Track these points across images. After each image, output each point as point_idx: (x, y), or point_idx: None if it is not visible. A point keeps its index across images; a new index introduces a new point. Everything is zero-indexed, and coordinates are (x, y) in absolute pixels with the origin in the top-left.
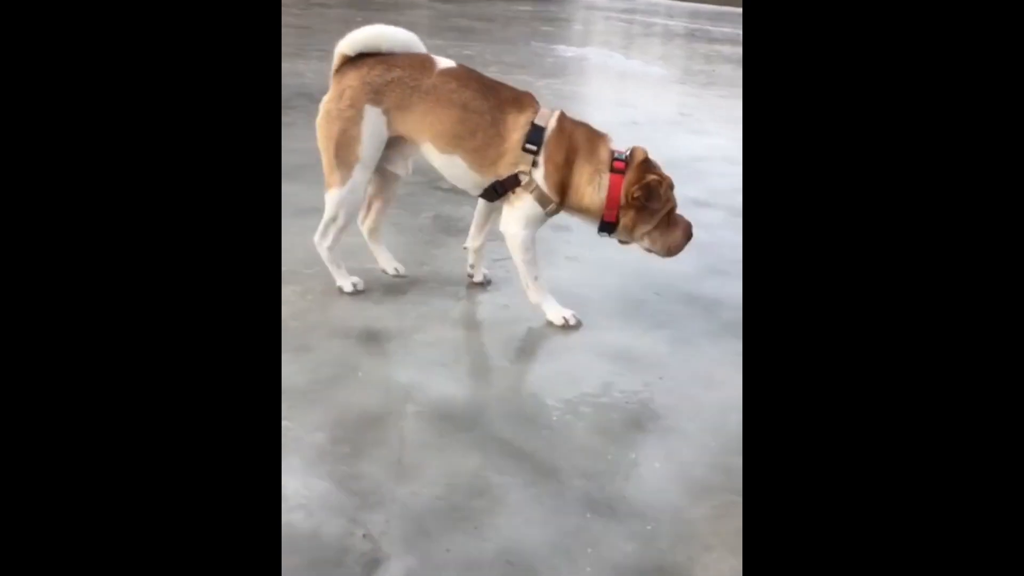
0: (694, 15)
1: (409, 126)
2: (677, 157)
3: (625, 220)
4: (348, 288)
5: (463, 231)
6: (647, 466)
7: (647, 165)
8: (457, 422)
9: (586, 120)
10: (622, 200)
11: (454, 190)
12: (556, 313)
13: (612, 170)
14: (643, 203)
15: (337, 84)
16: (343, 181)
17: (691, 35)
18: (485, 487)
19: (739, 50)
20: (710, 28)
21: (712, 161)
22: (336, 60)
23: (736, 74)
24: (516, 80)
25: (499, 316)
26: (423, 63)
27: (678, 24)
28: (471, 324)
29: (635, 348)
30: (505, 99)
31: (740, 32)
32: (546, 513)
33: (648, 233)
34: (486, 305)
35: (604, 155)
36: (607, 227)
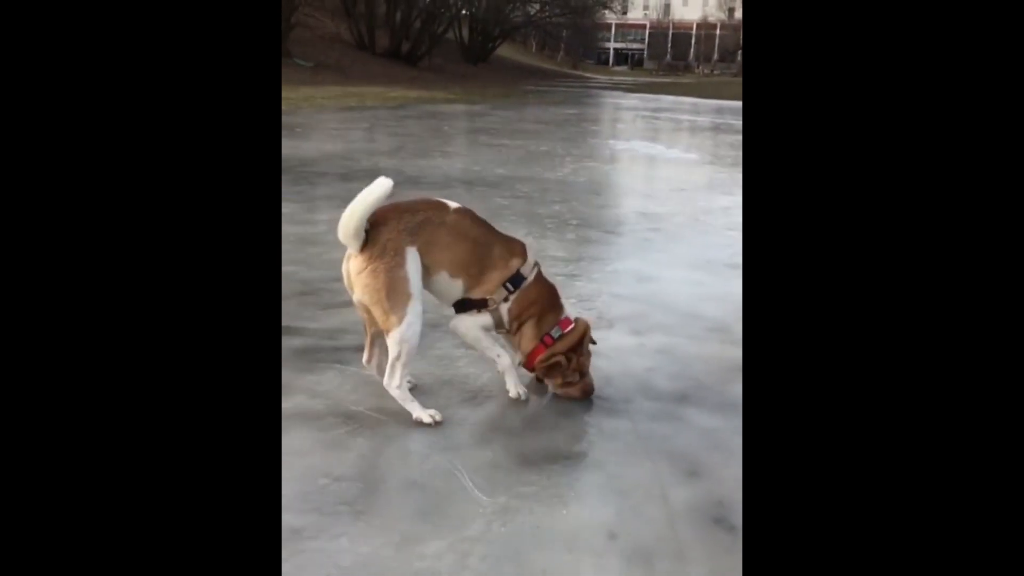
0: (719, 111)
1: (434, 257)
2: (711, 209)
3: (537, 374)
4: (427, 420)
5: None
6: None
7: (581, 338)
8: None
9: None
10: (535, 364)
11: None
12: (514, 386)
13: (541, 340)
14: (544, 375)
15: (373, 244)
16: (401, 320)
17: (717, 128)
18: None
19: None
20: (733, 122)
21: (735, 210)
22: (357, 239)
23: None
24: (586, 167)
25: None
26: (439, 204)
27: (704, 119)
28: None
29: None
30: (501, 240)
31: None
32: None
33: (557, 384)
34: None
35: (547, 325)
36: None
